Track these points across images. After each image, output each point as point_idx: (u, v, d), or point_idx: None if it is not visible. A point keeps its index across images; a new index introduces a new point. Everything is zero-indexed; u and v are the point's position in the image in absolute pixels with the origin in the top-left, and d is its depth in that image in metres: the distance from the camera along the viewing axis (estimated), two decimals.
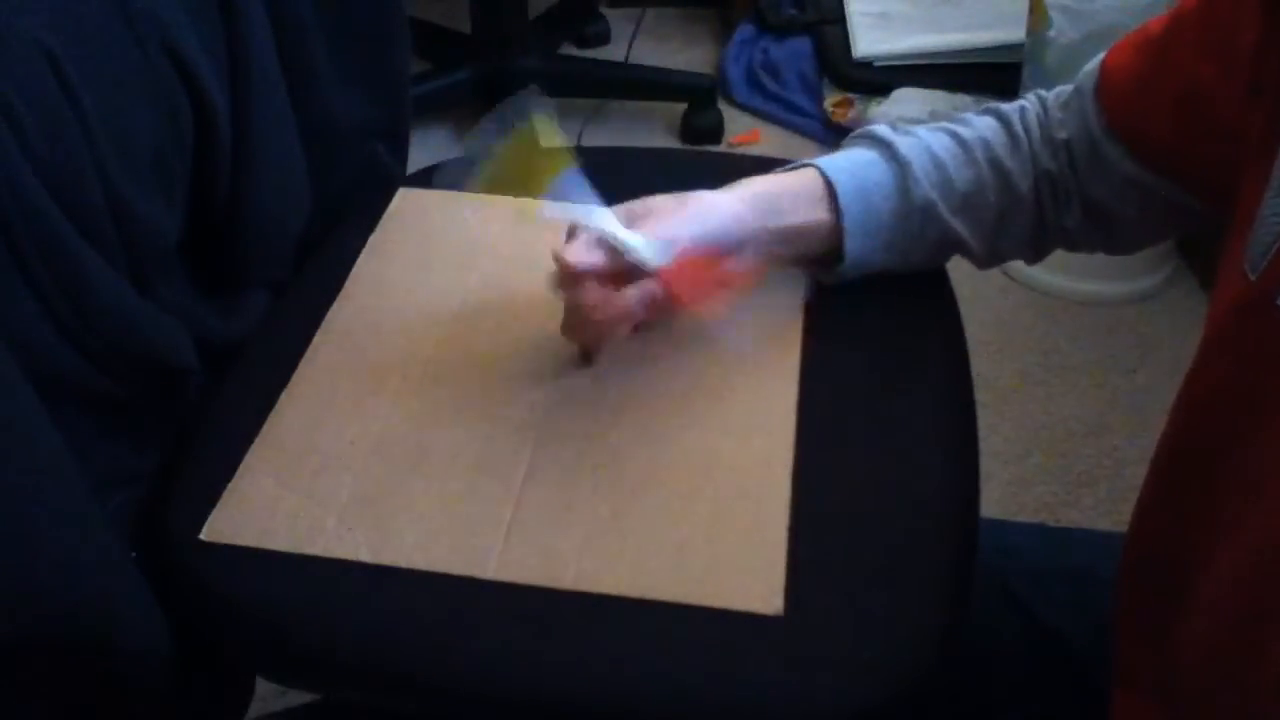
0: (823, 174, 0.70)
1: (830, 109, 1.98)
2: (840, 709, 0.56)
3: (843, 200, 0.69)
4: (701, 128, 2.01)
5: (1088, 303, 1.71)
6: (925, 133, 0.72)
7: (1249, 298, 0.53)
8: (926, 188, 0.70)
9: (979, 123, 0.72)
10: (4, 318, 0.54)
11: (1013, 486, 1.46)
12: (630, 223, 0.66)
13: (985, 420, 0.72)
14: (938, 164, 0.70)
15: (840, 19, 2.07)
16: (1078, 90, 0.71)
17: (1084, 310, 1.70)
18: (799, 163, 0.73)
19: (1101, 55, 0.70)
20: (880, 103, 1.92)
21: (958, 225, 0.71)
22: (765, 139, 2.02)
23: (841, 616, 0.58)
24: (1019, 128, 0.71)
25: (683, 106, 2.02)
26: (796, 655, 0.56)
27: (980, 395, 0.73)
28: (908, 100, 1.90)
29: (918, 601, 0.59)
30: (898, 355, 0.73)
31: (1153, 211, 0.70)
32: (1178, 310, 1.70)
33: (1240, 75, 0.58)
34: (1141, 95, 0.67)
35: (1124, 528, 0.67)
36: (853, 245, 0.70)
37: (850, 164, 0.71)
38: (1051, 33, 1.56)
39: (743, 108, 2.08)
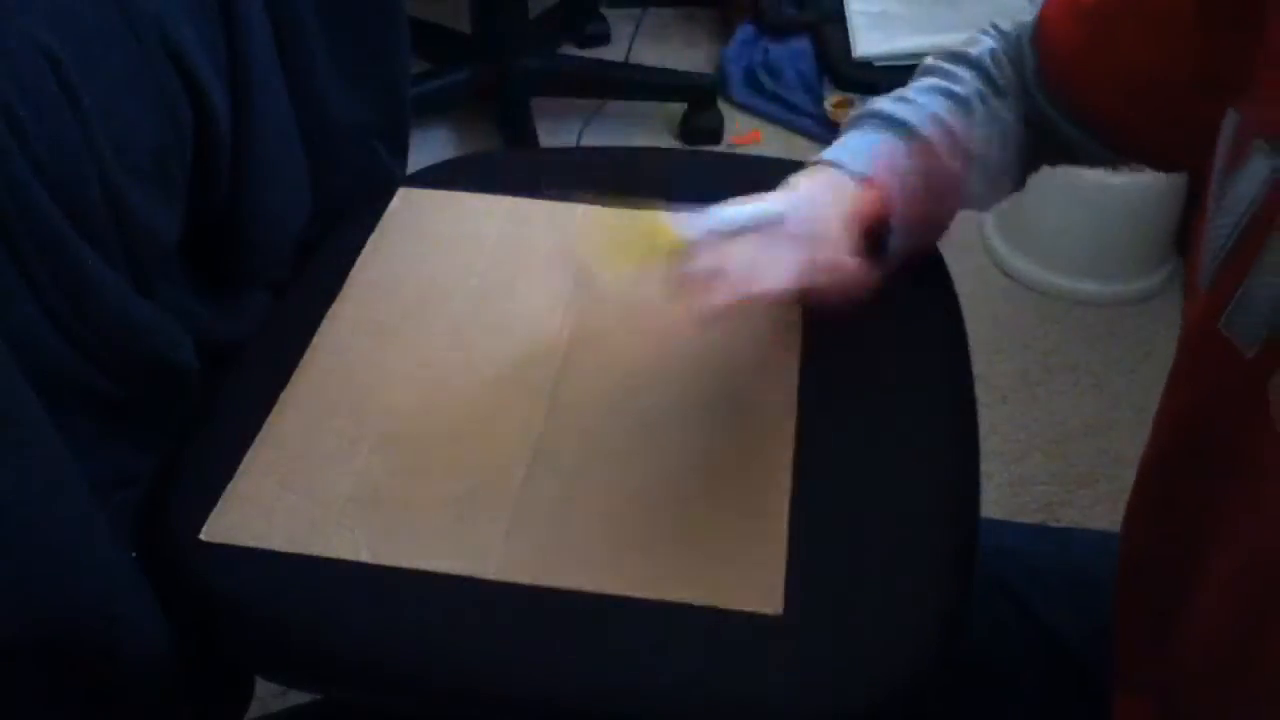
0: (877, 189, 0.67)
1: (830, 109, 1.98)
2: (840, 709, 0.56)
3: (894, 214, 0.67)
4: (701, 128, 2.01)
5: (1088, 303, 1.71)
6: (923, 98, 0.69)
7: (1199, 319, 0.53)
8: (948, 161, 0.68)
9: (965, 78, 0.70)
10: (4, 318, 0.54)
11: (1013, 486, 1.46)
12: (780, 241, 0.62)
13: (985, 420, 0.71)
14: (950, 134, 0.68)
15: (840, 19, 2.07)
16: (1017, 43, 0.69)
17: (1084, 310, 1.70)
18: (823, 155, 0.70)
19: (1031, 19, 0.68)
20: None
21: (975, 184, 0.69)
22: (765, 139, 2.02)
23: (841, 616, 0.58)
24: (994, 72, 0.70)
25: (683, 106, 2.02)
26: (796, 655, 0.56)
27: (980, 395, 0.73)
28: None
29: (918, 601, 0.59)
30: (898, 355, 0.73)
31: (1111, 156, 0.69)
32: (1178, 310, 1.69)
33: (1183, 66, 0.57)
34: (1084, 69, 0.65)
35: None
36: (895, 241, 0.67)
37: (868, 150, 0.68)
38: None
39: (743, 108, 2.08)
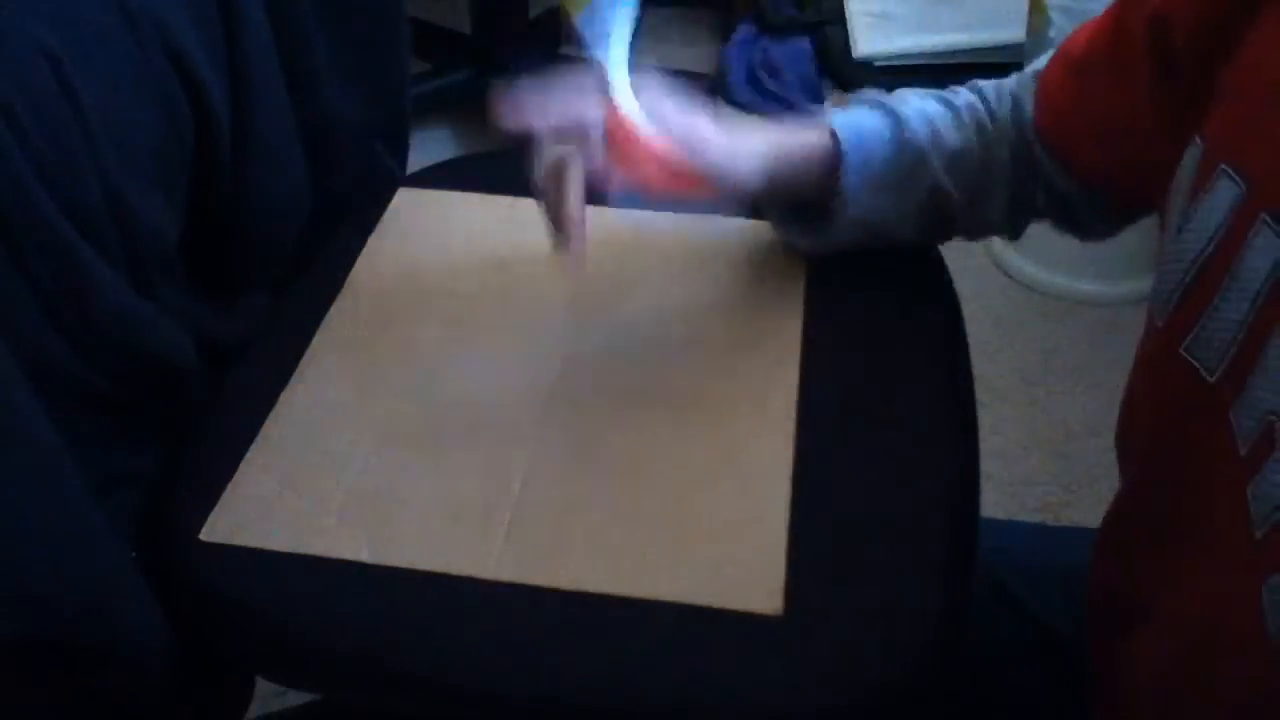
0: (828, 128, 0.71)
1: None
2: (839, 708, 0.56)
3: (844, 142, 0.69)
4: None
5: (1088, 303, 1.71)
6: (916, 98, 0.73)
7: (1158, 346, 0.53)
8: (920, 137, 0.70)
9: (964, 94, 0.73)
10: (4, 318, 0.54)
11: (1013, 486, 1.46)
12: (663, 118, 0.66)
13: (985, 420, 0.72)
14: (929, 121, 0.71)
15: (840, 19, 2.07)
16: (1022, 91, 0.71)
17: (1084, 310, 1.70)
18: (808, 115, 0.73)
19: (1037, 65, 0.70)
20: None
21: (946, 181, 0.71)
22: None
23: (841, 616, 0.58)
24: (995, 103, 0.72)
25: None
26: (796, 655, 0.56)
27: (980, 395, 0.73)
28: None
29: (918, 601, 0.59)
30: (898, 355, 0.73)
31: (1106, 214, 0.71)
32: None
33: (1142, 110, 0.59)
34: (1070, 117, 0.67)
35: None
36: (850, 181, 0.69)
37: (847, 116, 0.72)
38: (1051, 33, 1.56)
39: (743, 108, 2.08)
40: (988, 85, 0.73)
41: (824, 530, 0.61)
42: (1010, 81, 0.73)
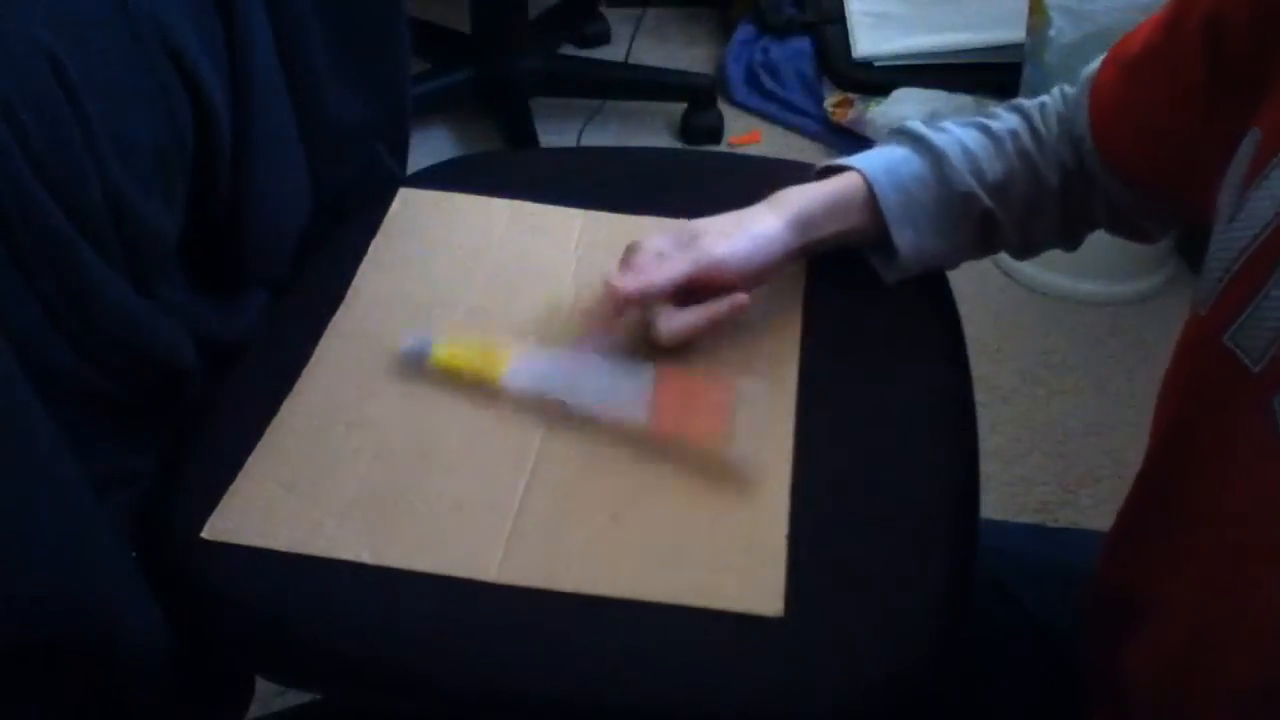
0: (862, 176, 0.71)
1: (830, 109, 1.98)
2: (840, 709, 0.56)
3: (882, 199, 0.71)
4: (701, 128, 2.01)
5: (1088, 303, 1.71)
6: (956, 128, 0.73)
7: (1200, 333, 0.53)
8: (963, 174, 0.71)
9: (1006, 117, 0.73)
10: (4, 317, 0.54)
11: (1013, 486, 1.46)
12: (678, 247, 0.68)
13: (985, 420, 0.72)
14: (970, 155, 0.71)
15: (840, 19, 2.07)
16: (1076, 98, 0.71)
17: (1084, 310, 1.70)
18: (839, 163, 0.74)
19: (1096, 66, 0.70)
20: (880, 103, 1.92)
21: (996, 210, 0.72)
22: (765, 139, 2.02)
23: (842, 618, 0.58)
24: (1039, 123, 0.72)
25: (683, 106, 2.02)
26: (797, 656, 0.56)
27: (980, 395, 0.73)
28: (908, 100, 1.90)
29: (918, 602, 0.59)
30: (898, 355, 0.73)
31: (1157, 215, 0.71)
32: (1178, 310, 1.69)
33: (1192, 109, 0.60)
34: (1119, 117, 0.68)
35: None
36: (901, 238, 0.71)
37: (885, 161, 0.72)
38: (1051, 33, 1.56)
39: (743, 108, 2.08)
40: (1032, 106, 0.73)
41: (824, 531, 0.61)
42: (1055, 98, 0.73)
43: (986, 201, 0.71)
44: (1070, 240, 0.76)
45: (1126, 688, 0.61)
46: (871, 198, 0.71)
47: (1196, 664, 0.55)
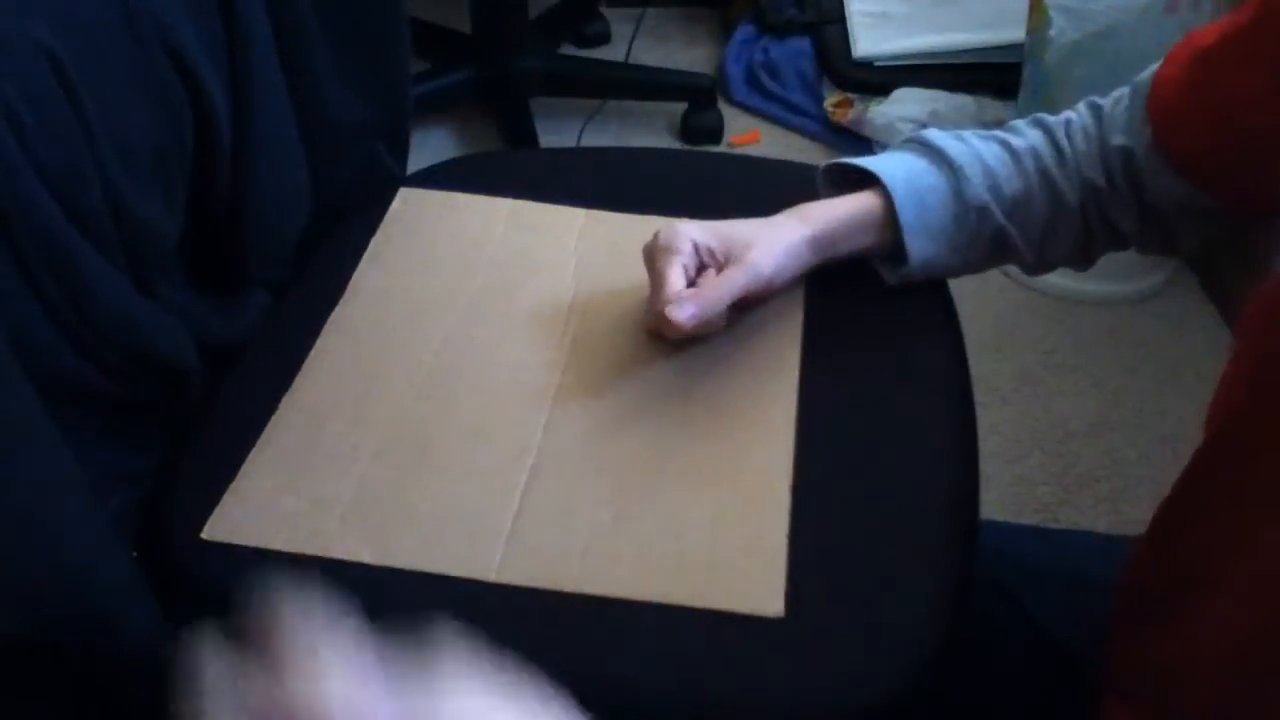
0: (884, 190, 0.71)
1: (830, 109, 1.98)
2: (840, 709, 0.56)
3: (902, 215, 0.70)
4: (701, 128, 2.01)
5: (1088, 303, 1.71)
6: (976, 140, 0.73)
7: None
8: (980, 189, 0.71)
9: (1028, 133, 0.73)
10: (4, 318, 0.54)
11: (1013, 486, 1.46)
12: (725, 255, 0.69)
13: (985, 420, 0.72)
14: (988, 170, 0.71)
15: (840, 19, 2.07)
16: (1133, 95, 0.71)
17: (1084, 310, 1.70)
18: (857, 164, 0.73)
19: (1149, 72, 0.70)
20: (880, 103, 1.92)
21: (1010, 228, 0.72)
22: (765, 139, 2.02)
23: (842, 618, 0.58)
24: (1064, 141, 0.72)
25: (683, 106, 2.02)
26: (797, 657, 0.56)
27: (980, 395, 0.73)
28: (908, 100, 1.90)
29: (918, 603, 0.59)
30: (897, 357, 0.73)
31: (1203, 218, 0.70)
32: (1178, 310, 1.70)
33: (1275, 98, 0.59)
34: (1186, 109, 0.67)
35: (1123, 528, 0.67)
36: (915, 247, 0.71)
37: (906, 172, 0.72)
38: (1051, 33, 1.56)
39: (743, 108, 2.08)
40: (1056, 122, 0.73)
41: (825, 532, 0.61)
42: (1082, 113, 0.73)
43: (1001, 220, 0.71)
44: (1085, 259, 0.76)
45: (1161, 679, 0.60)
46: (891, 214, 0.71)
47: (1270, 643, 0.53)
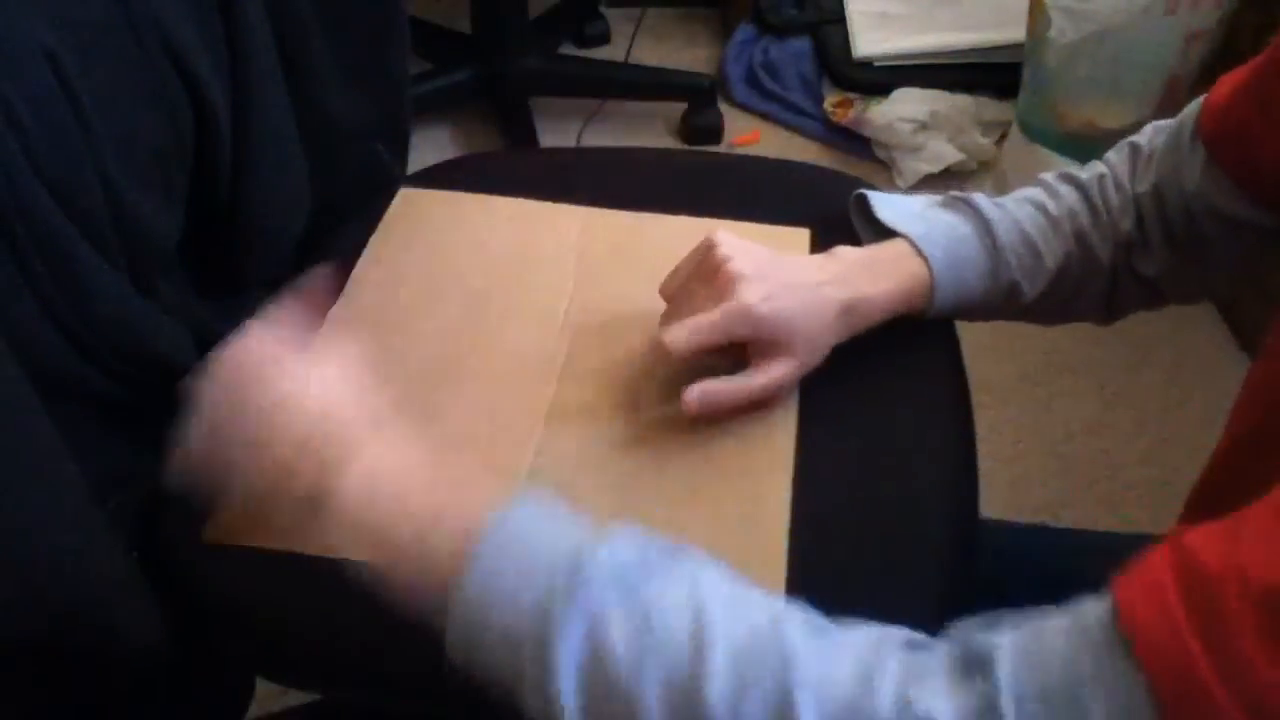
0: (927, 270, 0.70)
1: (830, 109, 1.98)
2: None
3: (939, 295, 0.71)
4: (701, 128, 2.01)
5: None
6: (1014, 207, 0.73)
7: None
8: (1015, 271, 0.71)
9: (1064, 194, 0.73)
10: (4, 317, 0.54)
11: (1013, 486, 1.46)
12: (760, 294, 0.65)
13: (985, 420, 0.72)
14: (1028, 242, 0.71)
15: (840, 19, 2.07)
16: (1178, 126, 0.70)
17: None
18: (903, 230, 0.72)
19: (1197, 103, 0.69)
20: (880, 103, 1.92)
21: (1035, 304, 0.73)
22: (765, 139, 2.02)
23: (841, 617, 0.58)
24: (1098, 199, 0.72)
25: (683, 106, 2.02)
26: None
27: (980, 395, 0.73)
28: (908, 100, 1.90)
29: (917, 602, 0.59)
30: (897, 356, 0.73)
31: (1254, 244, 0.70)
32: (1178, 310, 1.69)
33: None
34: (1247, 124, 0.66)
35: (1124, 528, 0.67)
36: (943, 302, 0.71)
37: (946, 240, 0.71)
38: (1051, 33, 1.56)
39: (743, 108, 2.08)
40: (1090, 179, 0.72)
41: (824, 532, 0.61)
42: (1113, 163, 0.72)
43: (1027, 296, 0.72)
44: (1112, 314, 0.77)
45: None
46: (931, 292, 0.70)
47: None
